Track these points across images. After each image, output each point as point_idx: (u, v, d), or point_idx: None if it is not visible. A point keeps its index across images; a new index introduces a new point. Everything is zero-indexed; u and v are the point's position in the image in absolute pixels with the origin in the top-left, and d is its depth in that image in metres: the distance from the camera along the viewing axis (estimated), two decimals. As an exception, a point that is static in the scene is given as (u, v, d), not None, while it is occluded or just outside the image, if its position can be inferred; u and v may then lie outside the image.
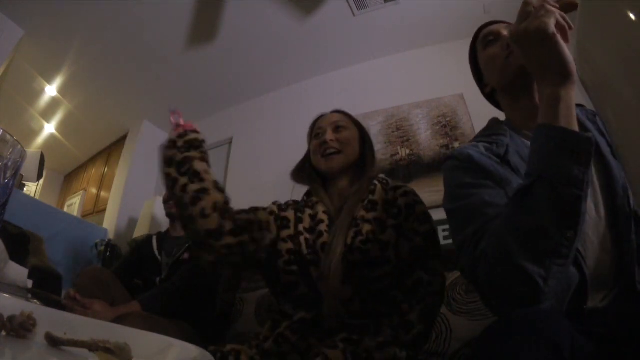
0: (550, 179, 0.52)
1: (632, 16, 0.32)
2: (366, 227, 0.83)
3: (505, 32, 0.80)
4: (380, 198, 0.89)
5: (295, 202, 1.00)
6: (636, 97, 0.33)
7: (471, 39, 0.98)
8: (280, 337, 0.75)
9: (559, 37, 0.54)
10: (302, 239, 0.85)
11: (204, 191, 0.81)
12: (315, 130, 1.03)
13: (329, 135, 0.97)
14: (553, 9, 0.55)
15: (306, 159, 1.05)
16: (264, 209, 0.93)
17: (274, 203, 0.97)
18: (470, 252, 0.60)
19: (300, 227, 0.88)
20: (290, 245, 0.85)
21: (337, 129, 1.00)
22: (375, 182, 0.93)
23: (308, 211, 0.92)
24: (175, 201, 0.82)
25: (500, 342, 0.44)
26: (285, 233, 0.88)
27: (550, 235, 0.51)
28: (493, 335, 0.46)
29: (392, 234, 0.83)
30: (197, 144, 0.88)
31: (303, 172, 1.03)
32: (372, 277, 0.79)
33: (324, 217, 0.89)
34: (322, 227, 0.86)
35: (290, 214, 0.92)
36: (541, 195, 0.52)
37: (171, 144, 0.86)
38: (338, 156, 0.95)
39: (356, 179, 0.97)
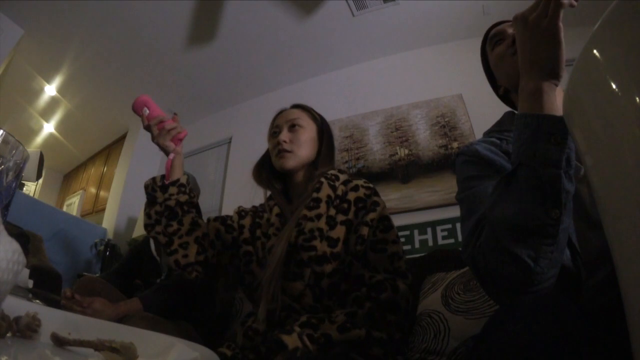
0: (529, 163, 0.53)
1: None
2: (308, 225, 0.82)
3: (510, 30, 0.80)
4: (324, 195, 0.86)
5: (256, 207, 1.02)
6: (603, 123, 0.35)
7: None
8: (249, 329, 0.77)
9: (563, 42, 0.55)
10: (259, 243, 0.89)
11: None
12: (273, 129, 1.01)
13: (283, 135, 0.95)
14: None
15: (266, 157, 1.03)
16: (216, 219, 0.98)
17: (236, 210, 1.00)
18: (473, 243, 0.62)
19: (258, 232, 0.91)
20: (247, 248, 0.91)
21: (292, 127, 0.97)
22: (322, 179, 0.90)
23: (266, 215, 0.94)
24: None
25: (509, 322, 0.44)
26: (241, 237, 0.93)
27: (535, 215, 0.52)
28: (502, 316, 0.47)
29: (341, 229, 0.82)
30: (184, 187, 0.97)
31: (263, 171, 1.01)
32: (323, 273, 0.79)
33: (276, 220, 0.90)
34: (272, 230, 0.89)
35: (247, 220, 0.96)
36: (523, 179, 0.54)
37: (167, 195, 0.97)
38: (289, 155, 0.93)
39: (312, 178, 0.94)
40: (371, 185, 0.91)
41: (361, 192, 0.87)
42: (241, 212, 0.99)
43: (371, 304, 0.72)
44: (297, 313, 0.77)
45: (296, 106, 1.05)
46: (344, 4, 2.59)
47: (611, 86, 0.33)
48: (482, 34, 0.92)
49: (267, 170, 1.00)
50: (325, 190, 0.87)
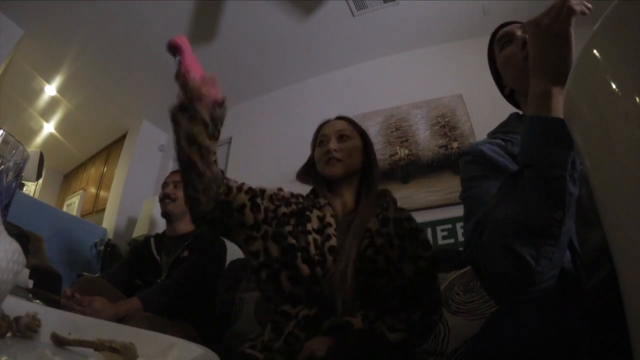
0: (536, 164, 0.54)
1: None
2: (379, 240, 0.87)
3: (519, 33, 0.81)
4: (392, 216, 0.93)
5: (302, 197, 1.01)
6: (602, 124, 0.36)
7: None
8: (290, 336, 0.77)
9: (573, 47, 0.56)
10: (310, 238, 0.86)
11: (213, 180, 0.86)
12: (320, 138, 1.04)
13: (333, 144, 0.99)
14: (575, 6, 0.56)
15: (311, 163, 1.07)
16: (247, 192, 0.92)
17: (274, 191, 0.96)
18: (475, 241, 0.62)
19: (309, 227, 0.89)
20: (291, 241, 0.86)
21: (341, 137, 1.01)
22: (388, 199, 0.99)
23: (316, 212, 0.93)
24: (188, 176, 0.84)
25: (509, 323, 0.45)
26: (286, 229, 0.88)
27: (539, 216, 0.53)
28: (501, 317, 0.47)
29: (397, 252, 0.87)
30: (220, 121, 0.85)
31: (308, 175, 1.06)
32: (375, 285, 0.83)
33: (332, 220, 0.91)
34: (330, 230, 0.89)
35: (289, 209, 0.92)
36: (529, 180, 0.55)
37: (200, 120, 0.81)
38: (339, 163, 0.98)
39: (363, 191, 1.01)
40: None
41: (414, 224, 0.95)
42: (283, 198, 0.96)
43: (424, 324, 0.84)
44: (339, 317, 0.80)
45: (342, 117, 1.09)
46: (344, 4, 2.60)
47: (611, 86, 0.34)
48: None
49: (313, 175, 1.04)
50: (392, 212, 0.95)
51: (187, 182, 0.85)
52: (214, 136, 0.85)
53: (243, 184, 0.94)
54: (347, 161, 0.99)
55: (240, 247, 0.93)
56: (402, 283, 0.85)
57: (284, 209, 0.93)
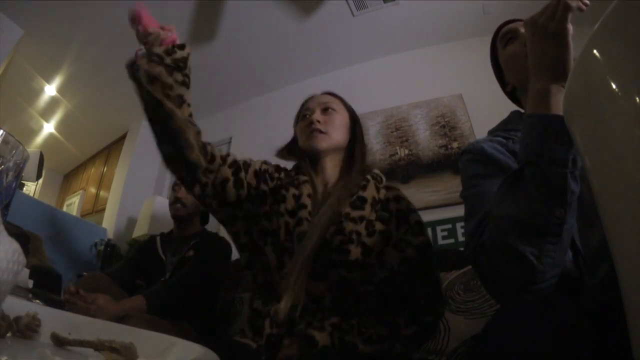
0: (536, 161, 0.54)
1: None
2: (349, 226, 0.77)
3: (523, 30, 0.80)
4: (370, 196, 0.82)
5: (285, 171, 0.94)
6: (602, 123, 0.36)
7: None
8: (271, 336, 0.72)
9: (571, 44, 0.56)
10: (282, 221, 0.79)
11: (188, 123, 0.79)
12: (303, 112, 0.95)
13: (316, 115, 0.90)
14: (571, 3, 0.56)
15: (293, 141, 0.98)
16: (231, 165, 0.85)
17: (258, 166, 0.89)
18: (476, 240, 0.62)
19: (282, 208, 0.80)
20: (265, 224, 0.81)
21: (325, 110, 0.92)
22: (368, 177, 0.87)
23: (292, 190, 0.83)
24: (158, 122, 0.80)
25: (511, 323, 0.45)
26: (262, 209, 0.82)
27: (540, 214, 0.53)
28: (503, 317, 0.48)
29: (378, 240, 0.78)
30: (183, 64, 0.80)
31: (289, 151, 0.97)
32: (350, 279, 0.75)
33: (307, 201, 0.82)
34: (304, 213, 0.80)
35: (269, 186, 0.86)
36: (529, 178, 0.55)
37: (157, 59, 0.77)
38: (322, 135, 0.88)
39: (345, 169, 0.91)
40: (409, 200, 0.88)
41: (403, 205, 0.84)
42: (265, 173, 0.88)
43: (413, 328, 0.72)
44: (313, 315, 0.73)
45: (328, 93, 1.01)
46: (344, 4, 2.60)
47: (611, 86, 0.34)
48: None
49: (294, 151, 0.96)
50: (371, 191, 0.83)
51: (157, 129, 0.80)
52: (185, 83, 0.80)
53: (228, 154, 0.86)
54: (331, 134, 0.88)
55: (223, 224, 0.86)
56: (384, 276, 0.75)
57: (264, 186, 0.85)
